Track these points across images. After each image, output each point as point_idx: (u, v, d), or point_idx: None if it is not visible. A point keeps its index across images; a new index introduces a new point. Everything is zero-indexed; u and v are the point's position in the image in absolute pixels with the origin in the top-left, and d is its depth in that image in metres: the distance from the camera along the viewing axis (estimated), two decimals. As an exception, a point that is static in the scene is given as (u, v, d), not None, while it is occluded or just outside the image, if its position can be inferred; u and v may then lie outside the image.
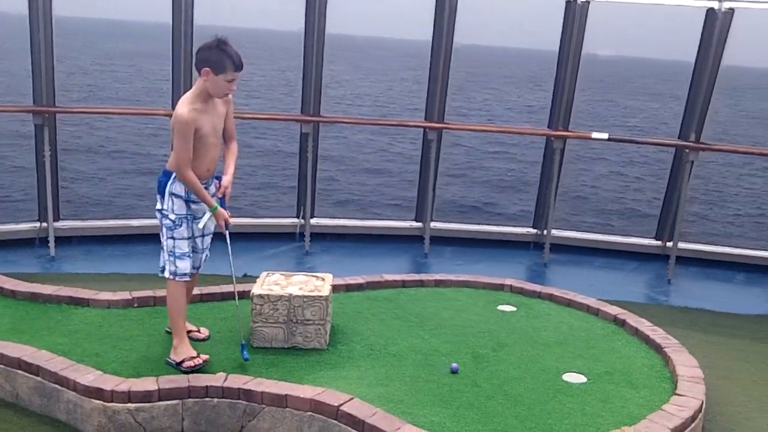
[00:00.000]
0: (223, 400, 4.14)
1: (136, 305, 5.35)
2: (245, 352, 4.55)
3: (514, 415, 4.05)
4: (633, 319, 5.41)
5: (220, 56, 4.23)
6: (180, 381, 4.18)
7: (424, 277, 6.10)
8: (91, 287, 5.59)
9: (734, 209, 16.64)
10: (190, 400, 4.14)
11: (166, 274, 4.50)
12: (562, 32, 7.26)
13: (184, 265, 4.46)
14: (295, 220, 8.06)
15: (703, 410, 4.34)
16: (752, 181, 20.40)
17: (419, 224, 8.09)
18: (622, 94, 48.54)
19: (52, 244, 7.30)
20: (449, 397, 4.20)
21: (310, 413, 3.96)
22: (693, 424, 4.13)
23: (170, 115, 7.06)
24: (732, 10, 6.89)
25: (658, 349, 4.99)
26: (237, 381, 4.18)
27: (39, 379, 4.33)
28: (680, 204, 7.44)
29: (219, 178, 4.60)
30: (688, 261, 7.92)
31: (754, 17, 7.13)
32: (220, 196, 4.55)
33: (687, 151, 7.20)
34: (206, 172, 4.44)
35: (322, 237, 7.90)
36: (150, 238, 7.72)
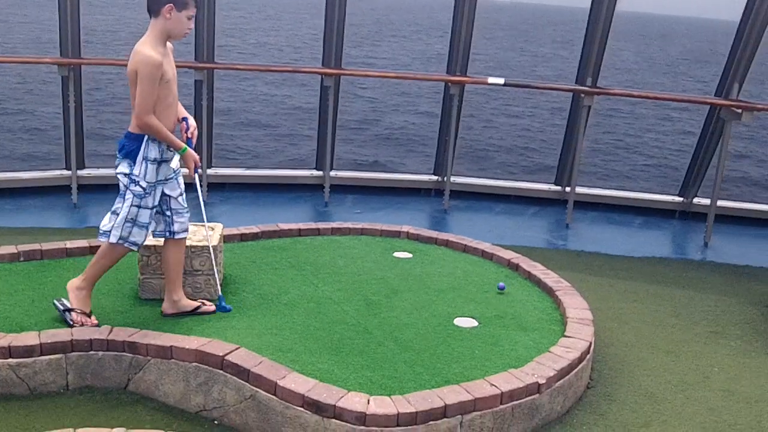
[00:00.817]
0: (108, 353, 4.02)
1: (22, 259, 5.14)
2: (224, 304, 4.52)
3: (404, 360, 4.06)
4: (526, 263, 5.48)
5: None
6: (63, 335, 4.04)
7: (320, 225, 6.04)
8: (-24, 242, 5.36)
9: (637, 156, 17.09)
10: (73, 353, 4.01)
11: (112, 239, 4.20)
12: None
13: (141, 236, 4.26)
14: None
15: (591, 351, 4.43)
16: (652, 126, 20.98)
17: (320, 173, 8.00)
18: (528, 42, 49.05)
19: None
20: (339, 345, 4.18)
21: (195, 364, 3.88)
22: (580, 365, 4.22)
23: (59, 63, 6.89)
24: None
25: (549, 292, 5.07)
26: (122, 334, 4.06)
27: None
28: (577, 148, 7.55)
29: (186, 120, 4.38)
30: (588, 206, 8.07)
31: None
32: (189, 137, 4.36)
33: (583, 95, 7.28)
34: (172, 125, 4.22)
35: (220, 187, 7.74)
36: (40, 191, 7.46)
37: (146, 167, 4.13)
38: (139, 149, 4.11)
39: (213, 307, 4.51)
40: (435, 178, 8.24)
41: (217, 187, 7.67)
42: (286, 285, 4.96)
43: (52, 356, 3.98)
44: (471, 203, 8.04)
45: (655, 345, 5.06)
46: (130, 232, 4.21)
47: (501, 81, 7.08)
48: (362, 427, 3.49)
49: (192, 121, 4.40)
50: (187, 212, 4.42)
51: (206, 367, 3.86)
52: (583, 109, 7.40)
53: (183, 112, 4.39)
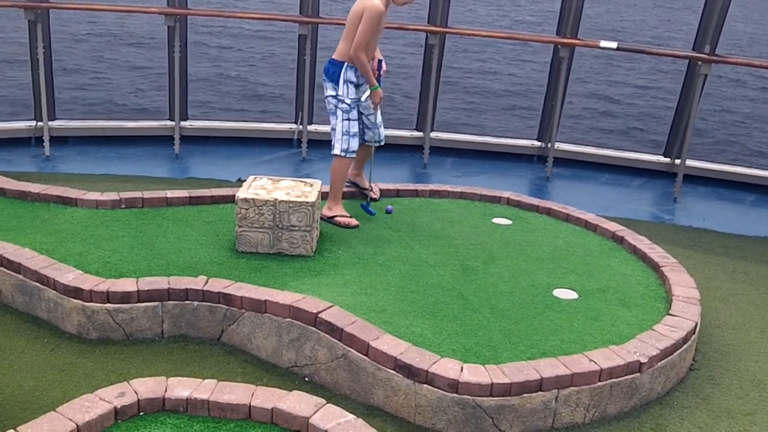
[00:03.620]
0: (203, 303, 4.06)
1: (123, 206, 5.25)
2: (370, 208, 5.38)
3: (499, 329, 3.95)
4: (631, 237, 5.25)
5: None
6: (160, 283, 4.10)
7: (419, 186, 5.94)
8: (83, 187, 5.50)
9: (751, 129, 16.26)
10: (169, 302, 4.07)
11: (337, 151, 5.14)
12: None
13: (355, 144, 5.16)
14: (293, 125, 7.87)
15: (697, 332, 4.22)
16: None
17: (420, 134, 7.87)
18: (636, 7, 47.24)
19: (47, 143, 7.21)
20: (433, 309, 4.10)
21: (289, 319, 3.86)
22: (685, 346, 4.02)
23: (164, 13, 6.95)
24: None
25: (655, 267, 4.85)
26: (217, 285, 4.08)
27: (21, 276, 4.27)
28: (690, 120, 7.18)
29: (380, 62, 5.26)
30: (697, 180, 7.70)
31: None
32: (383, 74, 5.27)
33: (699, 63, 6.89)
34: (371, 59, 5.13)
35: (320, 144, 7.71)
36: (144, 141, 7.61)
37: (347, 87, 5.07)
38: (340, 73, 5.05)
39: (355, 222, 5.17)
40: (538, 143, 8.00)
41: (316, 144, 7.64)
42: (382, 245, 4.89)
43: (148, 303, 4.05)
44: (575, 171, 7.78)
45: (765, 329, 4.79)
46: (348, 143, 5.12)
47: (614, 45, 6.78)
48: (454, 395, 3.41)
49: (384, 65, 5.27)
50: (377, 127, 5.40)
51: (299, 323, 3.84)
52: (699, 78, 7.01)
53: (379, 55, 5.27)
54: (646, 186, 7.66)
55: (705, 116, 14.66)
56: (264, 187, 4.75)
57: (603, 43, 6.78)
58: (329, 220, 5.17)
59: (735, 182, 7.81)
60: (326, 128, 7.72)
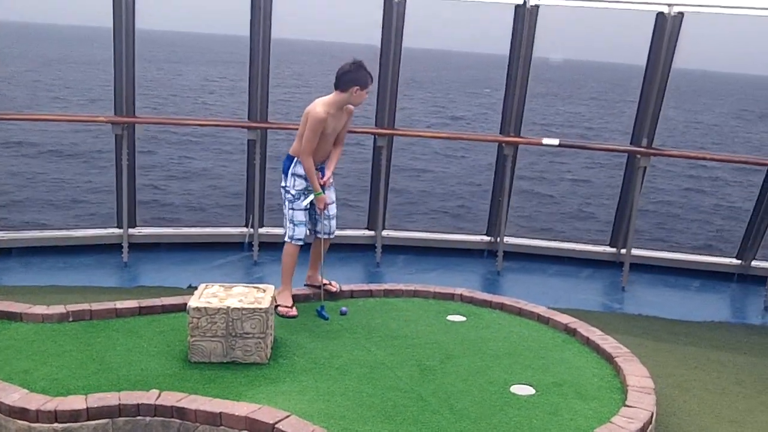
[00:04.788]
0: (156, 418, 3.95)
1: (71, 319, 5.12)
2: (324, 313, 5.39)
3: (459, 430, 3.92)
4: (584, 328, 5.30)
5: (364, 75, 5.25)
6: (110, 399, 3.98)
7: (373, 286, 5.95)
8: (28, 301, 5.37)
9: (691, 217, 16.76)
10: (120, 419, 3.95)
11: (286, 238, 5.51)
12: (512, 37, 7.15)
13: (300, 231, 5.48)
14: (244, 229, 7.87)
15: (653, 421, 4.24)
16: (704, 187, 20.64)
17: (371, 233, 7.94)
18: (572, 100, 48.93)
19: (-11, 256, 7.07)
20: (393, 412, 4.05)
21: (245, 431, 3.79)
22: (643, 436, 4.03)
23: (112, 122, 7.00)
24: (681, 14, 6.82)
25: (609, 358, 4.88)
26: (170, 398, 3.99)
27: (-38, 399, 4.10)
28: (633, 210, 7.38)
29: (323, 170, 5.50)
30: (643, 268, 7.86)
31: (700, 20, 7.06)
32: (322, 183, 5.44)
33: (639, 156, 7.14)
34: (318, 160, 5.45)
35: (272, 246, 7.70)
36: (93, 250, 7.51)
37: (294, 180, 5.42)
38: (290, 166, 5.42)
39: (294, 313, 5.38)
40: (488, 238, 8.12)
41: (268, 246, 7.64)
42: (338, 348, 4.85)
43: (98, 421, 3.92)
44: (524, 264, 7.88)
45: (719, 414, 4.85)
46: (294, 230, 5.47)
47: (555, 142, 7.00)
48: (417, 502, 3.34)
49: (328, 173, 5.49)
50: (330, 219, 5.61)
51: (256, 434, 3.76)
52: (638, 170, 7.25)
53: (330, 163, 5.54)
54: (594, 276, 7.79)
55: (647, 205, 15.09)
56: (216, 294, 4.71)
57: (545, 141, 6.99)
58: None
59: (680, 269, 8.00)
60: (277, 230, 7.77)
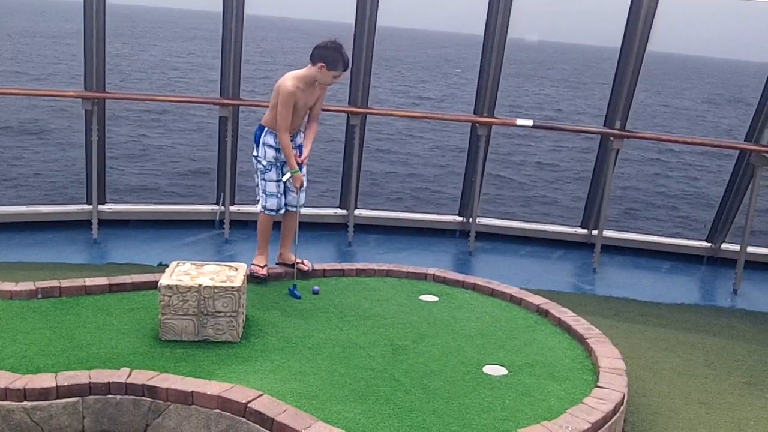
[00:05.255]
0: (127, 397, 3.90)
1: (40, 296, 5.04)
2: (296, 292, 5.34)
3: (432, 410, 3.91)
4: (556, 309, 5.33)
5: (335, 56, 5.20)
6: (80, 377, 3.92)
7: (345, 266, 5.93)
8: (-4, 277, 5.29)
9: (658, 202, 16.92)
10: (90, 397, 3.89)
11: (258, 207, 5.58)
12: (488, 16, 7.10)
13: (272, 202, 5.51)
14: (215, 206, 7.80)
15: (625, 402, 4.27)
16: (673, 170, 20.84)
17: (344, 212, 7.90)
18: (541, 81, 49.04)
19: (-44, 232, 6.94)
20: (365, 392, 4.04)
21: (217, 411, 3.75)
22: (614, 417, 4.05)
23: (81, 97, 6.88)
24: (657, -5, 6.82)
25: (580, 339, 4.91)
26: (141, 377, 3.94)
27: (-72, 376, 4.03)
28: (605, 192, 7.42)
29: (301, 148, 5.51)
30: (614, 249, 7.92)
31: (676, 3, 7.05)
32: (299, 162, 5.42)
33: (612, 138, 7.16)
34: (291, 131, 5.39)
35: (243, 224, 7.65)
36: (61, 226, 7.40)
37: (265, 150, 5.42)
38: (261, 136, 5.42)
39: (262, 273, 5.51)
40: (460, 219, 8.12)
41: (239, 224, 7.58)
42: (311, 328, 4.83)
43: (68, 399, 3.86)
44: (496, 245, 7.90)
45: (689, 396, 4.89)
46: (266, 201, 5.50)
47: (529, 123, 7.00)
48: (390, 482, 3.34)
49: (305, 152, 5.48)
50: (278, 197, 5.55)
51: (228, 414, 3.73)
52: (611, 153, 7.28)
53: (306, 141, 5.52)
54: (566, 257, 7.83)
55: (614, 190, 15.22)
56: (187, 272, 4.66)
57: (519, 121, 6.99)
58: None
59: (650, 251, 8.07)
60: (249, 209, 7.72)
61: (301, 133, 5.57)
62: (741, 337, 6.05)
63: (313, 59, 5.25)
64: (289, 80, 5.26)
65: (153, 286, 5.19)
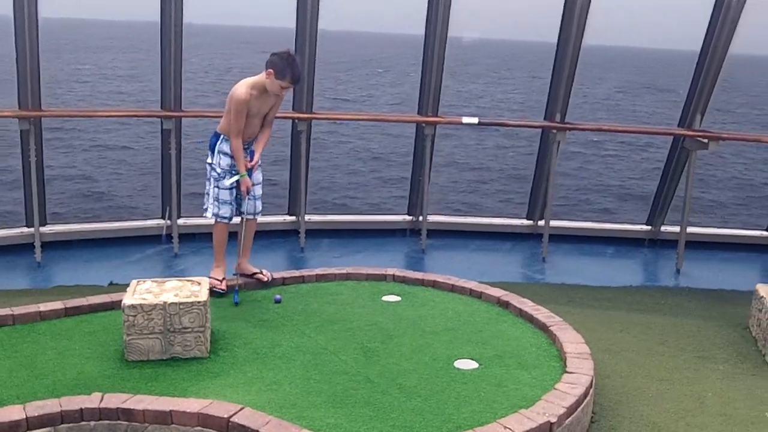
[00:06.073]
0: (101, 422, 3.81)
1: (-7, 326, 4.89)
2: (236, 296, 5.37)
3: (411, 408, 3.94)
4: (516, 300, 5.42)
5: (284, 67, 5.18)
6: (50, 406, 3.81)
7: (304, 272, 5.91)
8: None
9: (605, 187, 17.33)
10: (63, 425, 3.79)
11: (208, 215, 5.54)
12: (428, 15, 7.15)
13: (225, 210, 5.48)
14: (161, 221, 7.66)
15: (593, 385, 4.38)
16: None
17: (293, 218, 7.86)
18: (473, 80, 49.59)
19: None
20: (343, 396, 4.05)
21: (198, 428, 3.70)
22: (586, 400, 4.16)
23: (18, 116, 6.68)
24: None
25: (543, 328, 5.01)
26: (115, 400, 3.85)
27: None
28: (550, 184, 7.56)
29: (252, 153, 5.48)
30: (559, 238, 8.06)
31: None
32: (249, 167, 5.42)
33: (555, 131, 7.30)
34: (245, 139, 5.41)
35: (191, 237, 7.54)
36: (1, 251, 7.17)
37: (220, 157, 5.41)
38: (216, 143, 5.41)
39: (221, 287, 5.46)
40: (409, 218, 8.17)
41: (187, 237, 7.47)
42: (277, 337, 4.80)
43: (40, 430, 3.74)
44: (447, 241, 7.96)
45: (649, 373, 5.05)
46: (219, 208, 5.47)
47: (475, 120, 7.08)
48: (381, 483, 3.35)
49: (256, 157, 5.48)
50: (255, 199, 5.60)
51: (210, 430, 3.68)
52: (553, 145, 7.42)
53: (258, 146, 5.51)
54: (515, 249, 7.96)
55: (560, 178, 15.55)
56: (150, 290, 4.58)
57: (465, 119, 7.07)
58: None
59: (593, 237, 8.26)
60: (197, 221, 7.62)
61: (249, 153, 5.54)
62: (689, 314, 6.25)
63: (266, 65, 5.26)
64: (242, 87, 5.26)
65: (110, 306, 5.10)
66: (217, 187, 5.45)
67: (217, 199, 5.47)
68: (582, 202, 15.59)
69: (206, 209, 5.55)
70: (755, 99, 42.62)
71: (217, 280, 5.49)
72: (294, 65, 5.22)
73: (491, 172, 18.71)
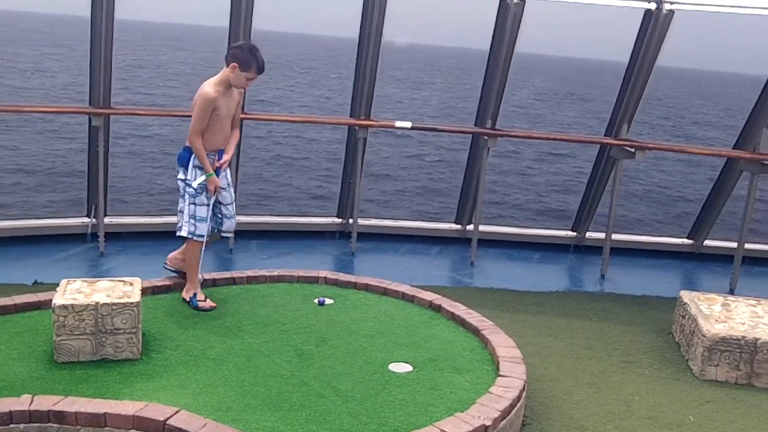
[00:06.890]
0: (31, 424, 3.71)
1: None
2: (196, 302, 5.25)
3: (347, 411, 3.96)
4: (448, 304, 5.49)
5: (249, 58, 5.06)
6: (-25, 409, 3.70)
7: (235, 274, 5.86)
8: None
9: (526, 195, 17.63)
10: (-11, 429, 3.69)
11: (184, 233, 5.27)
12: (362, 19, 7.17)
13: (202, 227, 5.25)
14: (86, 219, 7.48)
15: (525, 389, 4.47)
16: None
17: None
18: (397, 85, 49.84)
19: None
20: (278, 399, 4.04)
21: (133, 431, 3.64)
22: (519, 404, 4.25)
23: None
24: (523, 1, 7.08)
25: (475, 331, 5.09)
26: (46, 402, 3.76)
27: None
28: (480, 189, 7.67)
29: (221, 153, 5.28)
30: (487, 243, 8.19)
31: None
32: (217, 166, 5.22)
33: (486, 137, 7.42)
34: (220, 145, 5.26)
35: (117, 237, 7.39)
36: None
37: (195, 172, 5.18)
38: (190, 158, 5.17)
39: (210, 304, 5.26)
40: (339, 220, 8.18)
41: (113, 237, 7.31)
42: (210, 339, 4.76)
43: (-35, 434, 3.65)
44: (376, 244, 8.00)
45: (577, 378, 5.17)
46: (195, 227, 5.23)
47: (408, 125, 7.14)
48: (320, 486, 3.36)
49: (225, 157, 5.27)
50: (232, 218, 5.51)
51: (145, 433, 3.63)
52: (483, 151, 7.54)
53: (228, 146, 5.32)
54: (444, 252, 8.06)
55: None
56: (80, 290, 4.48)
57: (398, 123, 7.13)
58: (187, 303, 5.27)
59: (520, 242, 8.42)
60: (124, 220, 7.47)
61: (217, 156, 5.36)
62: (614, 319, 6.42)
63: (228, 59, 5.11)
64: (209, 86, 5.10)
65: (37, 306, 4.97)
66: (194, 203, 5.23)
67: (193, 216, 5.24)
68: (509, 208, 15.86)
69: (180, 227, 5.31)
70: (670, 111, 43.99)
71: (202, 300, 5.30)
72: (258, 55, 5.10)
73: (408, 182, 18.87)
